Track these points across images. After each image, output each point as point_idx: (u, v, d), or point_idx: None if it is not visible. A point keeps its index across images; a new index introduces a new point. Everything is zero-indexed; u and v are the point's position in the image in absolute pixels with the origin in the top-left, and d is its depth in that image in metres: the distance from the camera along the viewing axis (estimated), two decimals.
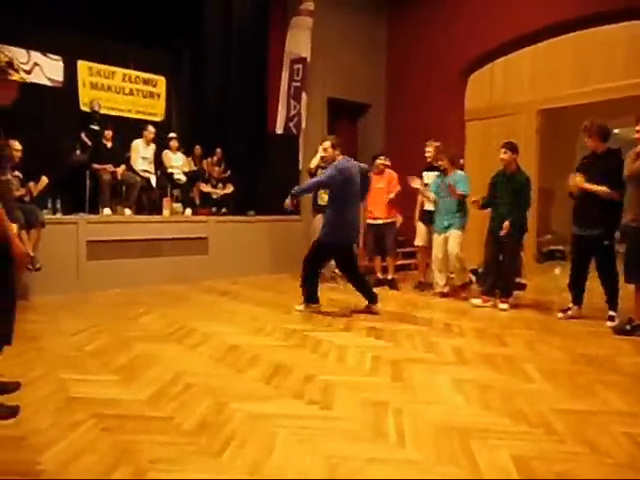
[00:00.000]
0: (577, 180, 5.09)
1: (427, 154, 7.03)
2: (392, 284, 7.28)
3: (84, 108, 8.41)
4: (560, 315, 5.47)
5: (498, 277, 5.99)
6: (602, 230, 5.03)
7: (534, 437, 2.65)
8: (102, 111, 8.21)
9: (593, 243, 5.11)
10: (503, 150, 5.89)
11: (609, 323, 5.07)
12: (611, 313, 5.15)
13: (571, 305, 5.45)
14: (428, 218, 6.92)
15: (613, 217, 4.98)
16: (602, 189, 4.95)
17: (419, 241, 7.17)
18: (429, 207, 6.92)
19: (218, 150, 8.76)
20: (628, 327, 4.81)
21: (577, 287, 5.40)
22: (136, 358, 3.91)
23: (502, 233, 5.77)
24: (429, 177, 6.98)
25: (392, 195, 7.20)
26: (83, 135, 7.66)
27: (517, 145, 5.96)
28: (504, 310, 5.81)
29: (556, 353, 4.19)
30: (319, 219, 7.44)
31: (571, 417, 2.88)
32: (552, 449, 2.52)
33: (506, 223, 5.74)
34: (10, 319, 2.92)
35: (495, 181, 6.05)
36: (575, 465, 2.36)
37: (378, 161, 7.30)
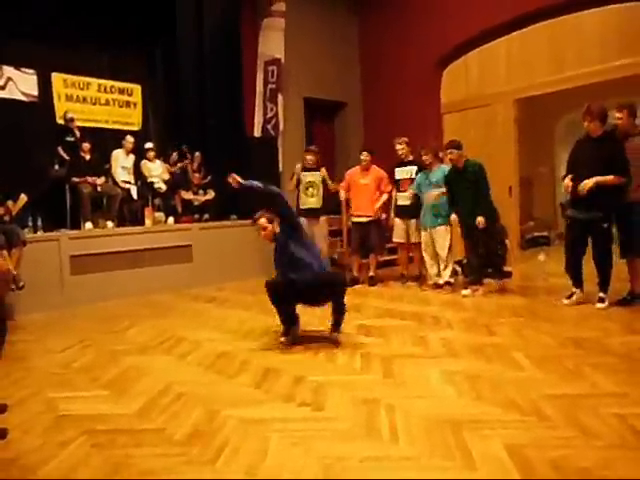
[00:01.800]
0: (587, 185, 4.91)
1: (399, 151, 7.05)
2: (372, 281, 7.26)
3: (61, 121, 8.32)
4: (566, 302, 5.38)
5: (480, 267, 6.15)
6: (600, 213, 4.99)
7: (526, 425, 2.66)
8: (79, 124, 8.09)
9: (590, 226, 5.07)
10: (449, 151, 6.09)
11: (599, 305, 5.12)
12: (601, 295, 5.16)
13: (574, 289, 5.39)
14: (403, 213, 6.97)
15: (613, 200, 4.97)
16: (611, 179, 4.86)
17: (397, 237, 7.20)
18: (403, 202, 6.96)
19: (197, 154, 8.66)
20: (628, 297, 4.99)
21: (574, 269, 5.33)
22: (125, 372, 3.88)
23: (480, 227, 5.89)
24: (402, 173, 7.01)
25: (385, 197, 7.15)
26: (60, 149, 7.58)
27: (461, 142, 6.13)
28: (502, 287, 6.19)
29: (544, 338, 4.22)
30: (320, 226, 7.34)
31: (562, 402, 2.90)
32: (545, 435, 2.54)
33: (479, 219, 5.87)
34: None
35: (449, 179, 6.22)
36: (568, 450, 2.38)
37: (361, 157, 7.23)
